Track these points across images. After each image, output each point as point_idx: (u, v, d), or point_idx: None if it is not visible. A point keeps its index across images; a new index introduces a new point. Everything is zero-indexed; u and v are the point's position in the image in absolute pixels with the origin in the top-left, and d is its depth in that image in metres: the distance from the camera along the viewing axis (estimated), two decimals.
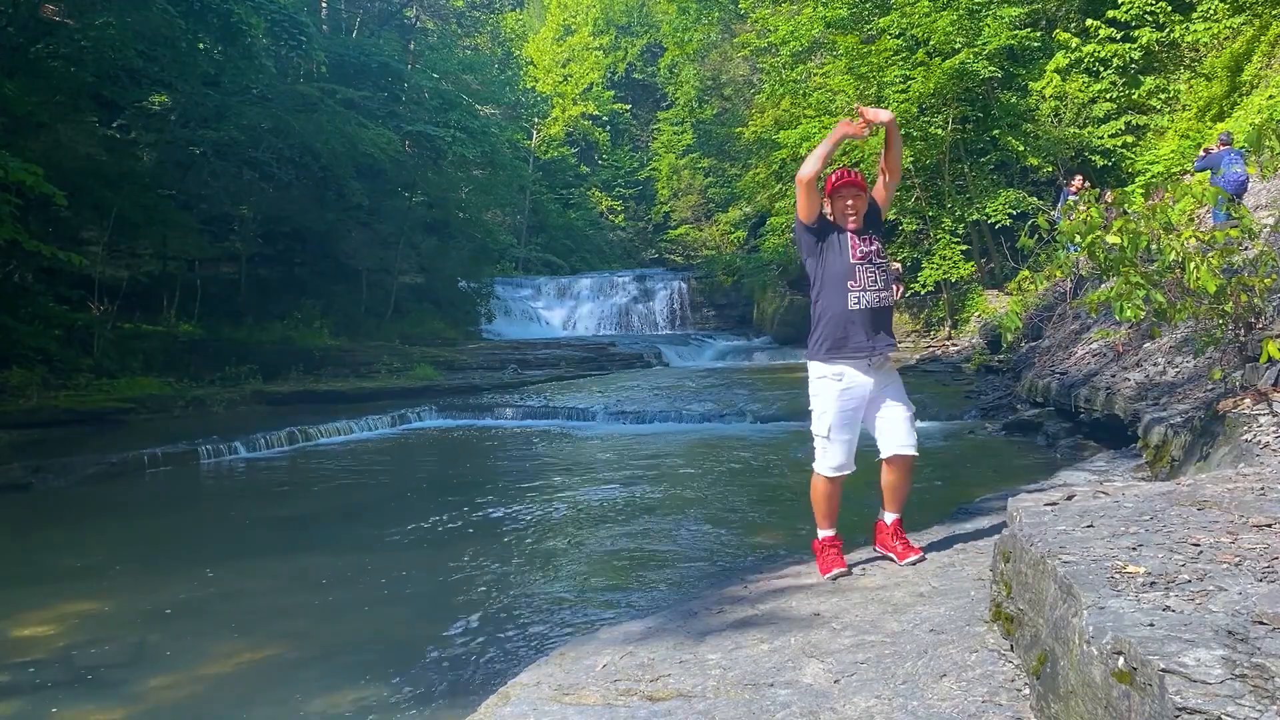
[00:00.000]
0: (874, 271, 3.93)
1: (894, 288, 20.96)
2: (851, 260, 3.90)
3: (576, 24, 46.67)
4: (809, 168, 3.83)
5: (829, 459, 3.93)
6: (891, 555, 4.03)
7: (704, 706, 2.67)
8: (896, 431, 3.89)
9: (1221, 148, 11.61)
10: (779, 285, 26.23)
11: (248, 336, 18.08)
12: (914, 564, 3.92)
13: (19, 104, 13.34)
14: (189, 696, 3.83)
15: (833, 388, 3.89)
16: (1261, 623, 1.79)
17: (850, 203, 3.91)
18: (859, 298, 3.90)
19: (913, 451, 3.91)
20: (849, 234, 3.93)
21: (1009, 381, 12.63)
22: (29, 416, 12.08)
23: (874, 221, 4.03)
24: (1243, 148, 10.83)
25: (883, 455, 3.95)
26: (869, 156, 18.84)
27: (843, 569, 3.96)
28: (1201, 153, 12.92)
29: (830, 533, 4.03)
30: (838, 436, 3.90)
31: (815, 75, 22.41)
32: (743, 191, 29.79)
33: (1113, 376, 8.13)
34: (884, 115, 3.84)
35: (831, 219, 3.98)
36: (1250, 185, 11.30)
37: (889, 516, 4.02)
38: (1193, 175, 12.55)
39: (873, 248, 3.94)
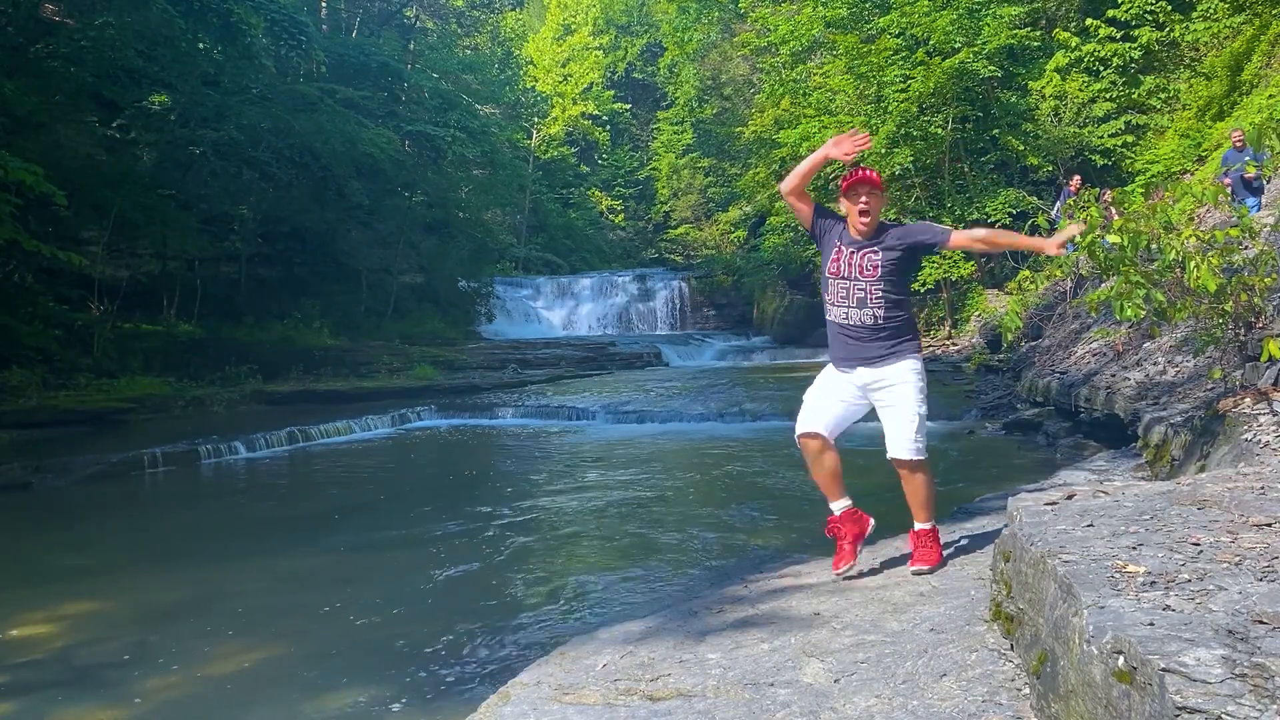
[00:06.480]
0: (847, 286, 3.81)
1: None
2: (827, 274, 3.92)
3: (576, 24, 46.61)
4: (787, 182, 3.89)
5: (799, 416, 3.98)
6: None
7: (704, 706, 2.67)
8: (889, 436, 3.90)
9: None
10: (779, 285, 26.24)
11: (247, 336, 18.07)
12: (918, 572, 3.84)
13: (19, 104, 13.33)
14: (189, 696, 3.82)
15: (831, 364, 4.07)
16: (1261, 622, 1.79)
17: (864, 199, 3.76)
18: (832, 311, 3.94)
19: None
20: (841, 245, 3.85)
21: (1009, 381, 12.63)
22: (29, 416, 12.07)
23: (890, 233, 3.84)
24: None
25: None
26: (867, 156, 18.85)
27: (849, 563, 3.93)
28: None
29: (839, 507, 3.94)
30: (809, 397, 3.99)
31: (815, 75, 22.42)
32: (743, 191, 29.79)
33: (1113, 376, 8.12)
34: (1052, 246, 3.92)
35: (845, 221, 3.91)
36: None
37: (916, 524, 3.95)
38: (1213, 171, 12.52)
39: (862, 261, 3.78)
